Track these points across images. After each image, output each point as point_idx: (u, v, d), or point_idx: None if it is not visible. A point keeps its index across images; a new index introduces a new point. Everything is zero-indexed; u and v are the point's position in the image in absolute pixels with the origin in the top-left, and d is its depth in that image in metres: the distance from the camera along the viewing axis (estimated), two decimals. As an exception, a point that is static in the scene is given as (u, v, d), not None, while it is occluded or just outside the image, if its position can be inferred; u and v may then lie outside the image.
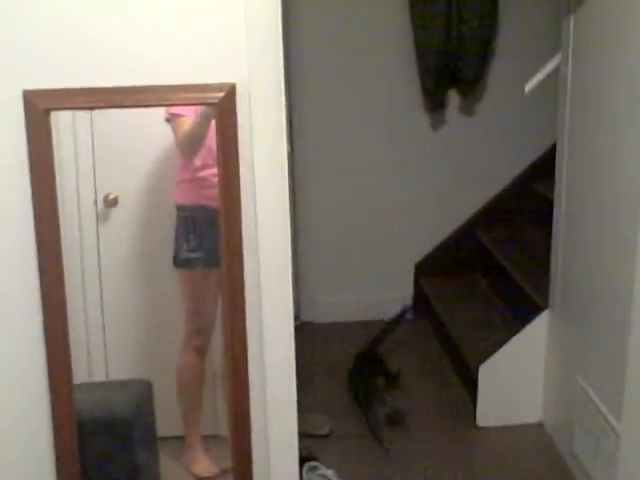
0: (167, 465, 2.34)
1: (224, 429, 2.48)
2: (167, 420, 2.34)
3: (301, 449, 1.96)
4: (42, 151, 1.69)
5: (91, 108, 1.86)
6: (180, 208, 2.38)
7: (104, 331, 2.45)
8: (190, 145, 2.27)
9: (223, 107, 1.68)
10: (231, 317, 1.78)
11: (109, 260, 2.46)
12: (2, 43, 1.68)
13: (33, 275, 1.76)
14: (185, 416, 2.50)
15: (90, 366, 2.43)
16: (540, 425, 2.97)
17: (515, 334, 2.96)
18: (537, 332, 2.94)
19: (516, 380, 2.98)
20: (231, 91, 1.67)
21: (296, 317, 1.90)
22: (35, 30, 1.68)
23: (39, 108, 1.67)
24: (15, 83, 1.68)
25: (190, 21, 1.70)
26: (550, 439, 2.88)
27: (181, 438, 2.47)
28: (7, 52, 1.68)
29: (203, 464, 2.48)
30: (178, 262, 2.39)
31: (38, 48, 1.69)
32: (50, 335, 1.76)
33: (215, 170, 2.20)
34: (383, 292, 3.89)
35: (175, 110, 2.22)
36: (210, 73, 1.70)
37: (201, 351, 2.48)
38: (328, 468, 2.62)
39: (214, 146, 2.18)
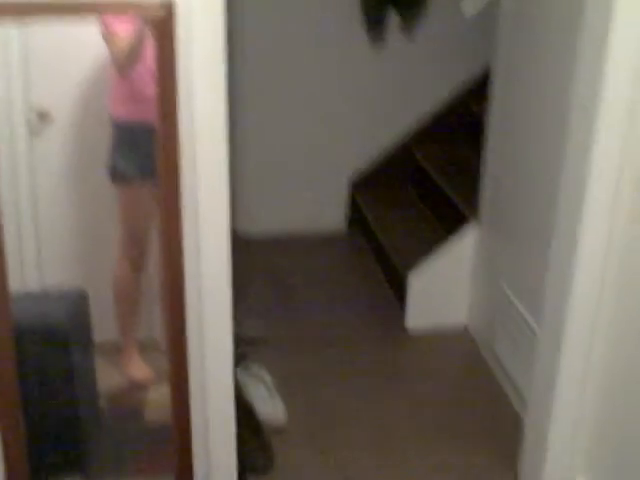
0: (104, 370, 2.40)
1: (159, 332, 2.56)
2: (103, 325, 2.37)
3: (235, 351, 2.02)
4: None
5: (24, 18, 1.81)
6: (116, 123, 2.37)
7: (38, 241, 2.46)
8: (125, 62, 2.24)
9: (162, 25, 1.65)
10: (168, 230, 1.80)
11: (43, 174, 2.45)
12: None
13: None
14: (121, 324, 2.55)
15: (24, 276, 2.45)
16: (465, 329, 3.11)
17: (444, 243, 3.07)
18: (465, 242, 3.05)
19: (444, 287, 3.10)
20: (169, 9, 1.64)
21: (232, 228, 1.94)
22: None
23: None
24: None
25: None
26: (474, 341, 3.03)
27: (117, 343, 2.53)
28: None
29: (139, 368, 2.55)
30: (114, 176, 2.39)
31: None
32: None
33: (152, 86, 2.22)
34: (319, 206, 3.94)
35: (110, 27, 2.19)
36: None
37: (137, 261, 2.51)
38: (261, 368, 2.71)
39: (150, 61, 2.19)
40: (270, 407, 2.59)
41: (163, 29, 1.67)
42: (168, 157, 1.76)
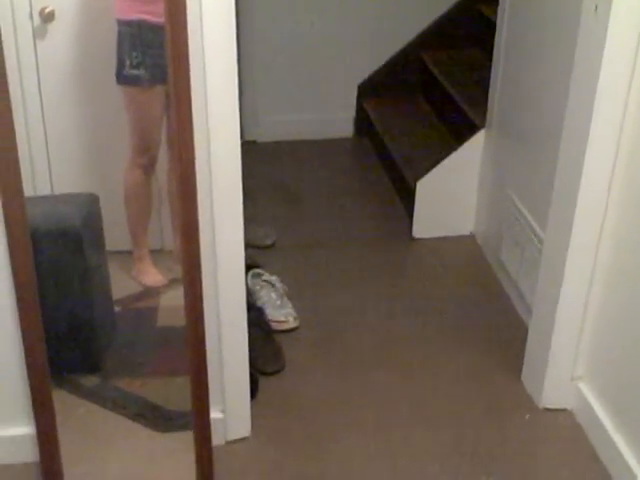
0: (117, 277, 2.43)
1: (169, 244, 2.59)
2: (116, 234, 2.41)
3: (246, 258, 2.04)
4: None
5: None
6: (121, 23, 2.29)
7: (47, 146, 2.46)
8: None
9: None
10: (179, 135, 1.80)
11: (49, 76, 2.42)
12: None
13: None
14: (133, 230, 2.55)
15: (35, 181, 2.45)
16: (472, 236, 3.14)
17: (452, 152, 3.06)
18: (473, 150, 3.04)
19: (451, 195, 3.11)
20: None
21: (240, 136, 1.94)
22: None
23: None
24: None
25: None
26: (480, 249, 3.07)
27: (129, 253, 2.55)
28: None
29: (152, 275, 2.57)
30: (121, 79, 2.34)
31: None
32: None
33: (157, -17, 2.18)
34: (326, 112, 3.91)
35: None
36: None
37: (147, 168, 2.50)
38: (272, 274, 2.77)
39: (155, -42, 2.14)
40: (281, 312, 2.65)
41: None
42: (176, 55, 1.73)
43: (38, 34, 2.35)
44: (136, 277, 2.56)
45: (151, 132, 2.46)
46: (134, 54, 2.31)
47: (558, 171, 2.15)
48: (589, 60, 1.95)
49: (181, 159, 1.81)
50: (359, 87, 3.94)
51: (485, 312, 2.73)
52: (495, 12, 2.91)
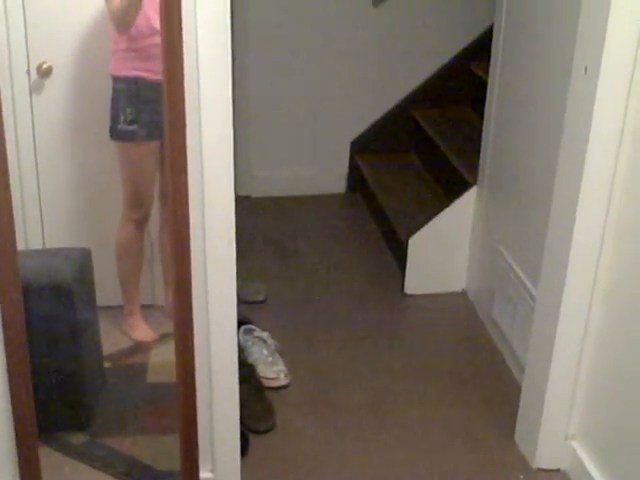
0: (108, 332, 2.41)
1: (161, 299, 2.58)
2: (107, 289, 2.40)
3: (238, 314, 2.03)
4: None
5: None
6: (116, 79, 2.33)
7: (39, 201, 2.46)
8: (124, 17, 2.21)
9: None
10: (173, 189, 1.81)
11: (44, 131, 2.43)
12: None
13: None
14: (124, 285, 2.54)
15: (27, 235, 2.45)
16: (464, 293, 3.14)
17: (444, 208, 3.08)
18: (465, 206, 3.06)
19: (443, 251, 3.12)
20: None
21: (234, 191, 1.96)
22: None
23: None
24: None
25: None
26: (472, 305, 3.07)
27: (120, 308, 2.53)
28: None
29: (142, 330, 2.55)
30: (115, 134, 2.36)
31: None
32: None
33: (151, 41, 2.20)
34: (319, 168, 3.95)
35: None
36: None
37: (140, 223, 2.50)
38: (263, 330, 2.75)
39: (150, 15, 2.17)
40: (272, 369, 2.63)
41: None
42: (173, 112, 1.75)
43: (35, 89, 2.38)
44: (127, 332, 2.55)
45: (145, 187, 2.47)
46: (128, 110, 2.34)
47: (549, 230, 2.16)
48: (579, 120, 1.98)
49: (175, 214, 1.81)
50: (352, 143, 3.98)
51: (478, 370, 2.71)
52: (486, 71, 2.97)
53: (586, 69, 1.93)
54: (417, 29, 3.79)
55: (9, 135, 2.34)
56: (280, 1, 3.67)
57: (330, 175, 3.97)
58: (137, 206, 2.49)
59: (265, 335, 2.72)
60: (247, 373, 2.47)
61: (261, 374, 2.60)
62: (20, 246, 1.89)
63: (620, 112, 1.91)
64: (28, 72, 2.34)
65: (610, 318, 2.06)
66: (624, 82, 1.89)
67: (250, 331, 2.74)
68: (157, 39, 2.10)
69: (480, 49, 3.52)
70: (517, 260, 2.65)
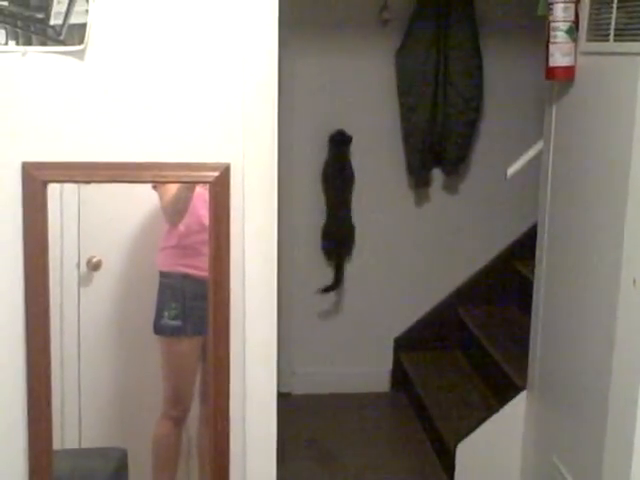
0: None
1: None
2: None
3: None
4: (38, 223, 1.72)
5: (88, 182, 1.88)
6: (163, 274, 2.37)
7: (79, 396, 2.43)
8: (175, 210, 2.28)
9: (217, 186, 1.72)
10: (215, 392, 1.78)
11: (90, 324, 2.44)
12: (3, 115, 1.72)
13: (20, 345, 1.80)
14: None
15: (63, 432, 2.40)
16: (517, 506, 2.96)
17: (493, 413, 2.96)
18: (515, 412, 2.94)
19: (493, 460, 2.96)
20: (225, 171, 1.71)
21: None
22: (35, 104, 1.72)
23: (38, 180, 1.69)
24: (15, 155, 1.72)
25: (189, 102, 1.75)
26: (527, 523, 2.87)
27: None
28: (8, 124, 1.72)
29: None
30: (158, 329, 2.37)
31: (38, 121, 1.73)
32: (34, 405, 1.76)
33: (200, 237, 2.24)
34: (363, 365, 3.90)
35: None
36: (205, 153, 1.75)
37: (179, 421, 2.45)
38: None
39: (200, 212, 2.23)
40: None
41: (219, 189, 1.74)
42: (218, 317, 1.76)
43: (83, 282, 2.41)
44: None
45: (185, 383, 2.45)
46: (173, 305, 2.36)
47: (607, 442, 2.04)
48: (631, 332, 1.92)
49: (215, 420, 1.77)
50: (396, 340, 3.94)
51: None
52: (530, 269, 2.95)
53: (635, 281, 1.90)
54: (461, 227, 3.88)
55: (56, 326, 2.38)
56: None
57: (374, 373, 3.91)
58: (177, 402, 2.44)
59: None
60: None
61: None
62: (56, 444, 1.85)
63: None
64: (78, 265, 2.38)
65: None
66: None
67: None
68: (206, 236, 2.18)
69: (524, 247, 3.52)
70: (574, 475, 2.49)
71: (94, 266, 2.39)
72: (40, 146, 1.73)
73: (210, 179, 1.72)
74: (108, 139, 1.74)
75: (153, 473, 2.46)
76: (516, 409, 2.93)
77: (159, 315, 2.37)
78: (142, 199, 2.36)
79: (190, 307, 2.34)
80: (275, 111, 1.76)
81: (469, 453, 2.95)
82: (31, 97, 1.71)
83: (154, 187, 2.29)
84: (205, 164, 1.74)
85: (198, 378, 2.39)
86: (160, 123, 1.75)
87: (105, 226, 2.41)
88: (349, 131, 3.72)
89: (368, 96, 3.72)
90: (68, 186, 2.26)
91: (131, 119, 1.74)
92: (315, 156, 3.74)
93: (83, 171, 1.71)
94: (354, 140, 3.73)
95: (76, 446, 2.35)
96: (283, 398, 3.66)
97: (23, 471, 1.80)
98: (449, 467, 3.02)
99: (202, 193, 2.20)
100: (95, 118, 1.73)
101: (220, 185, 1.72)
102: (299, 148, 3.70)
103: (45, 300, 1.75)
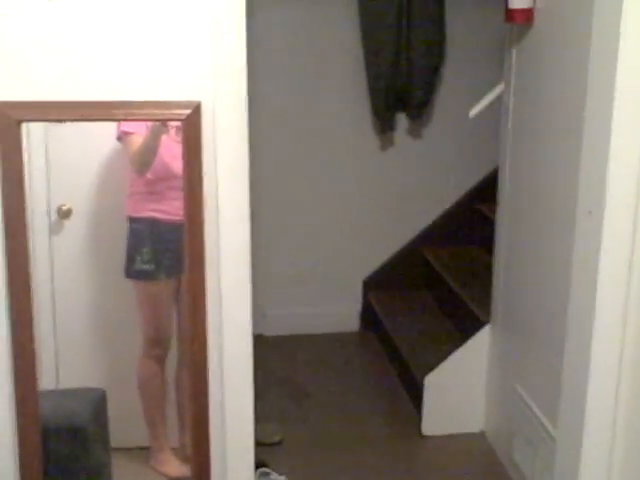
0: (139, 473, 2.41)
1: (174, 441, 2.52)
2: (124, 431, 2.37)
3: (254, 456, 2.01)
4: (13, 162, 1.73)
5: (61, 121, 1.90)
6: (132, 220, 2.40)
7: (55, 339, 2.46)
8: (142, 161, 2.31)
9: (189, 123, 1.74)
10: (192, 330, 1.83)
11: (62, 270, 2.47)
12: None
13: (2, 286, 1.82)
14: (150, 421, 2.52)
15: (41, 375, 2.43)
16: (482, 434, 3.08)
17: (458, 347, 3.07)
18: (479, 345, 3.05)
19: (459, 391, 3.08)
20: (197, 108, 1.74)
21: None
22: (6, 44, 1.72)
23: (12, 119, 1.70)
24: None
25: (160, 42, 1.76)
26: (491, 447, 2.99)
27: (137, 449, 2.49)
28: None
29: (174, 466, 2.51)
30: (131, 273, 2.42)
31: (10, 61, 1.73)
32: (17, 346, 1.81)
33: (167, 184, 2.29)
34: (332, 306, 3.97)
35: (126, 128, 2.26)
36: (176, 91, 1.77)
37: (161, 359, 2.50)
38: (280, 474, 2.68)
39: (166, 160, 2.26)
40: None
41: (191, 126, 1.75)
42: (194, 254, 1.80)
43: (54, 230, 2.43)
44: (156, 468, 2.49)
45: (164, 324, 2.50)
46: (145, 250, 2.39)
47: (564, 367, 2.14)
48: (586, 260, 2.01)
49: (193, 353, 1.82)
50: (364, 282, 4.02)
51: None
52: (493, 211, 3.03)
53: (590, 212, 1.99)
54: (425, 171, 3.91)
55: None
56: (292, 145, 3.81)
57: (343, 313, 3.99)
58: (157, 342, 2.50)
59: (282, 479, 2.66)
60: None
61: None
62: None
63: (627, 251, 1.95)
64: (48, 213, 2.40)
65: (632, 457, 2.01)
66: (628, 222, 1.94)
67: (266, 474, 2.67)
68: (173, 182, 2.21)
69: (486, 189, 3.60)
70: (535, 399, 2.61)
71: (65, 213, 2.41)
72: (13, 85, 1.73)
73: (182, 117, 1.74)
74: (79, 78, 1.75)
75: (144, 411, 2.51)
76: (480, 342, 3.04)
77: (131, 260, 2.40)
78: (109, 144, 2.35)
79: (161, 250, 2.38)
80: (244, 49, 1.77)
81: (436, 385, 3.05)
82: (2, 37, 1.71)
83: (119, 139, 2.30)
84: (176, 102, 1.75)
85: (175, 317, 2.45)
86: (131, 61, 1.76)
87: (74, 172, 2.40)
88: (315, 75, 3.73)
89: (334, 40, 3.71)
90: (35, 136, 2.29)
91: (102, 58, 1.75)
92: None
93: (56, 110, 1.72)
94: (319, 82, 3.74)
95: (53, 388, 2.41)
96: (255, 340, 3.72)
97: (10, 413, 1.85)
98: (417, 399, 3.12)
99: (167, 141, 2.23)
100: (66, 57, 1.74)
101: (192, 123, 1.74)
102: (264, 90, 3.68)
103: (24, 241, 1.77)
